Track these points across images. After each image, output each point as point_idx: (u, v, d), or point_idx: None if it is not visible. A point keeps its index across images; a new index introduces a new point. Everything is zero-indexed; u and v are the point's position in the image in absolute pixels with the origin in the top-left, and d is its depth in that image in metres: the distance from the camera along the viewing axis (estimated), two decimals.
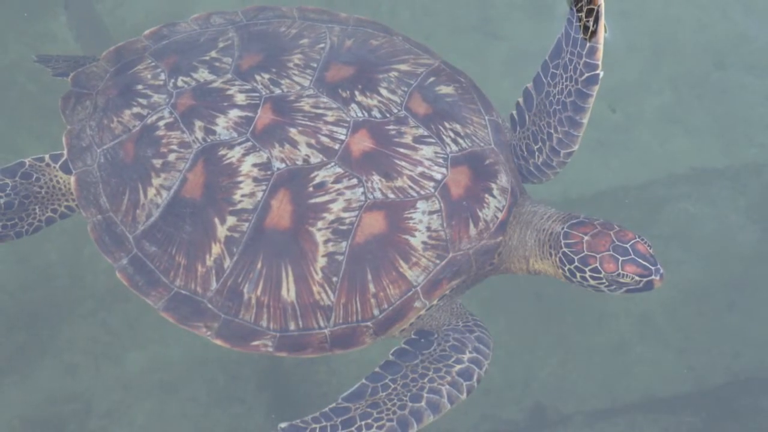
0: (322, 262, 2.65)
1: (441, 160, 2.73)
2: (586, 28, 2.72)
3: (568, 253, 2.71)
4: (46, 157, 3.05)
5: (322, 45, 2.94)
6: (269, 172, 2.68)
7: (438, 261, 2.69)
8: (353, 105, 2.77)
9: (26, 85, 4.19)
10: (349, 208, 2.65)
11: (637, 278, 2.64)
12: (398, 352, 2.72)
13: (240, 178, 2.68)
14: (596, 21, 2.69)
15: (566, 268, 2.73)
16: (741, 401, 3.63)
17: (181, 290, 2.75)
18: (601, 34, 2.70)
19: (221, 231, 2.68)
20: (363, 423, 2.56)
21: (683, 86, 4.30)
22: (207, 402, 3.65)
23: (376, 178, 2.67)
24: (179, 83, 2.86)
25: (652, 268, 2.63)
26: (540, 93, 2.89)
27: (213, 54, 2.93)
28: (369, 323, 2.70)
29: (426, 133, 2.75)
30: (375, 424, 2.56)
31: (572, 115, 2.80)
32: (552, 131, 2.86)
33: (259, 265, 2.67)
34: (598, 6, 2.67)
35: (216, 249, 2.69)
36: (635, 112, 4.25)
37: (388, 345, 2.79)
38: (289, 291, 2.67)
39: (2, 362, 3.68)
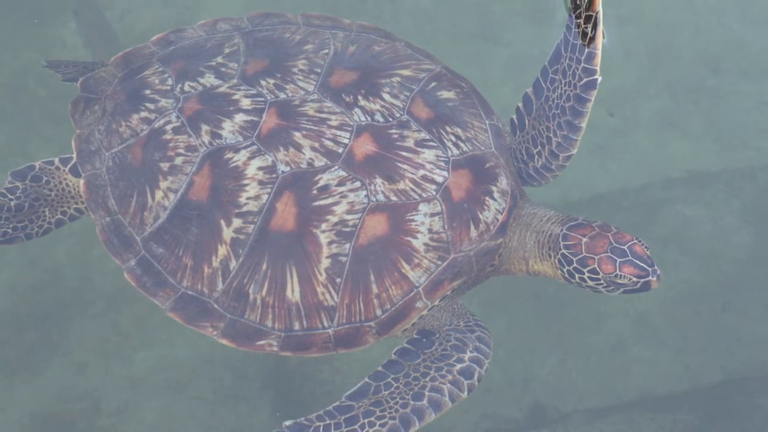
0: (326, 263, 2.68)
1: (442, 164, 2.76)
2: (584, 34, 2.74)
3: (567, 254, 2.74)
4: (56, 160, 3.07)
5: (326, 51, 2.97)
6: (274, 175, 2.71)
7: (439, 262, 2.73)
8: (356, 109, 2.80)
9: (36, 90, 4.20)
10: (353, 211, 2.69)
11: (634, 279, 2.67)
12: (400, 351, 2.74)
13: (245, 181, 2.72)
14: (594, 27, 2.71)
15: (565, 269, 2.76)
16: (736, 399, 3.63)
17: (188, 291, 2.78)
18: (599, 40, 2.72)
19: (227, 233, 2.72)
20: (366, 421, 2.59)
21: (680, 91, 4.30)
22: (213, 400, 3.65)
23: (378, 181, 2.70)
24: (186, 88, 2.89)
25: (649, 269, 2.66)
26: (539, 98, 2.92)
27: (219, 59, 2.96)
28: (372, 323, 2.73)
29: (428, 137, 2.78)
30: (378, 422, 2.58)
31: (571, 120, 2.83)
32: (551, 135, 2.88)
33: (264, 267, 2.70)
34: (597, 12, 2.70)
35: (222, 250, 2.72)
36: (633, 117, 4.25)
37: (391, 344, 2.82)
38: (293, 292, 2.70)
39: (13, 361, 3.67)
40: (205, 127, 2.79)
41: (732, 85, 4.29)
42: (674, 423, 3.60)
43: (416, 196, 2.71)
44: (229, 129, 2.77)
